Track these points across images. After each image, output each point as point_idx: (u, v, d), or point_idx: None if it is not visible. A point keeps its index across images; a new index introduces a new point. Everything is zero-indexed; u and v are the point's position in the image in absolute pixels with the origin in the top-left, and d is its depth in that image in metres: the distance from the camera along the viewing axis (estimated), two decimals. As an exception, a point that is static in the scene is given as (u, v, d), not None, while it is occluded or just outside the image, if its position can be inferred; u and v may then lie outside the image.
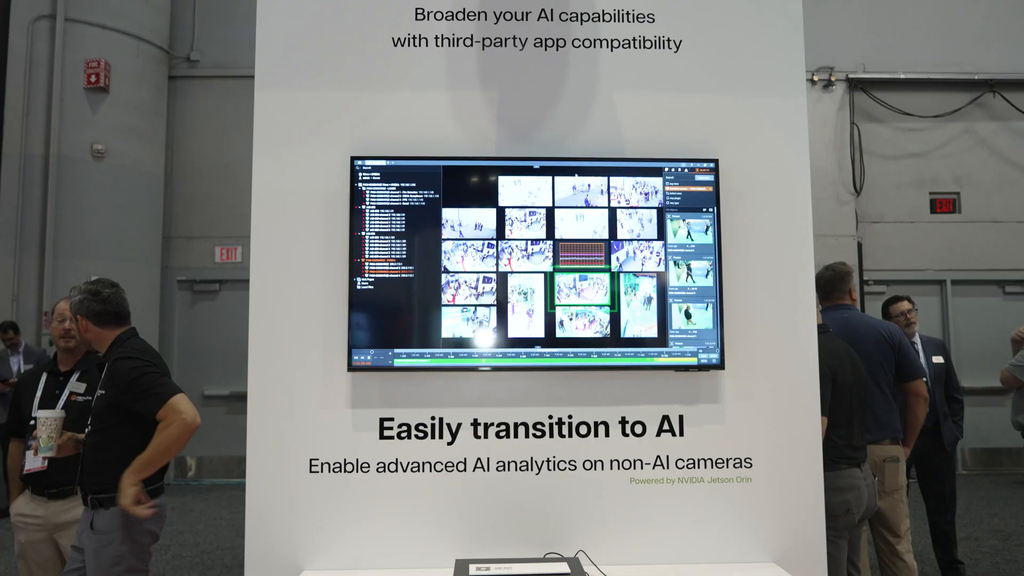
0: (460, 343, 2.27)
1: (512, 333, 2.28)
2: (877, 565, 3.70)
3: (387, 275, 2.28)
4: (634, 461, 2.32)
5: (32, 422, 3.19)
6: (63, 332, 3.26)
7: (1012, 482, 8.15)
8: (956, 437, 4.46)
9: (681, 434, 2.33)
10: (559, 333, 2.28)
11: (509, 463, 2.30)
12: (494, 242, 2.30)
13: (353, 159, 2.30)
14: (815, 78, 9.05)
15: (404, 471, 2.28)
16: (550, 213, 2.32)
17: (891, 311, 4.57)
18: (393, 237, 2.29)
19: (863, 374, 3.17)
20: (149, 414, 2.61)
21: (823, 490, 2.36)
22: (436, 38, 2.41)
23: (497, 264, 2.30)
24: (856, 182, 9.04)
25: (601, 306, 2.29)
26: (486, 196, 2.32)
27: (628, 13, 2.44)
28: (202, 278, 8.84)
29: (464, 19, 2.42)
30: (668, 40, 2.44)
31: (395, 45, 2.40)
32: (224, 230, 8.72)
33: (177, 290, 8.82)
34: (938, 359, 4.60)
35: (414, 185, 2.31)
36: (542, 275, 2.30)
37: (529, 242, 2.31)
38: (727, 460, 2.33)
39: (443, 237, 2.30)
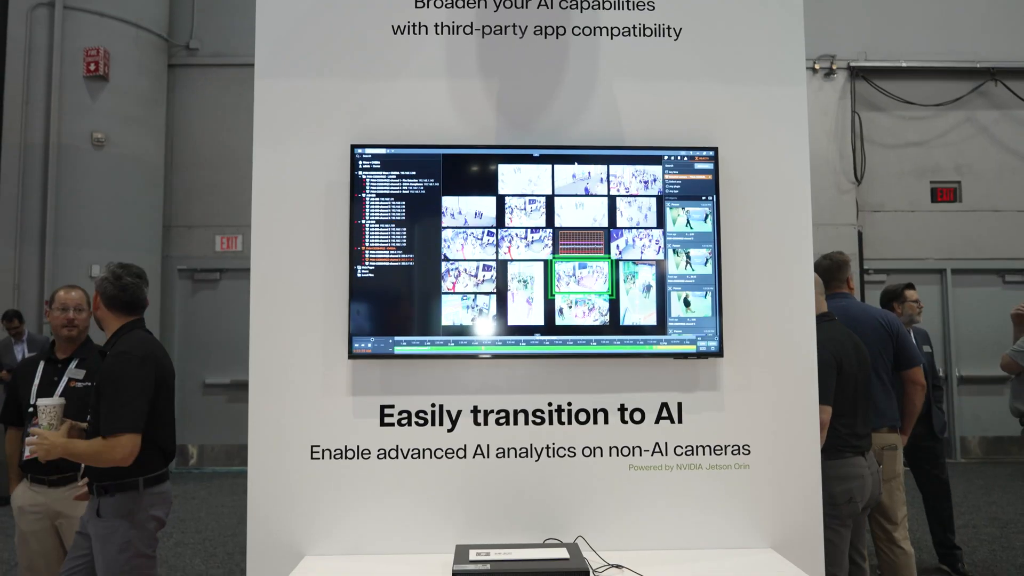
0: (460, 331, 2.28)
1: (512, 321, 2.29)
2: (874, 552, 3.72)
3: (387, 263, 2.29)
4: (633, 448, 2.33)
5: (31, 409, 3.21)
6: (66, 321, 3.27)
7: (1010, 470, 8.18)
8: (944, 423, 4.54)
9: (680, 421, 2.35)
10: (559, 321, 2.29)
11: (509, 450, 2.32)
12: (494, 230, 2.31)
13: (353, 147, 2.30)
14: (816, 66, 9.02)
15: (404, 458, 2.30)
16: (550, 201, 2.33)
17: (907, 296, 4.58)
18: (393, 225, 2.30)
19: (868, 363, 3.18)
20: (102, 427, 2.63)
21: (820, 477, 2.38)
22: (436, 26, 2.40)
23: (497, 252, 2.30)
24: (857, 171, 9.03)
25: (600, 294, 2.30)
26: (486, 184, 2.32)
27: (628, 1, 2.44)
28: (202, 267, 8.85)
29: (464, 7, 2.41)
30: (668, 28, 2.43)
31: (395, 33, 2.40)
32: (224, 219, 8.73)
33: (178, 279, 8.84)
34: (927, 348, 4.65)
35: (414, 173, 2.31)
36: (542, 263, 2.31)
37: (529, 230, 2.31)
38: (725, 447, 2.35)
39: (443, 225, 2.30)
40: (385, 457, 2.29)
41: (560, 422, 2.33)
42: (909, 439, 4.05)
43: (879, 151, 9.11)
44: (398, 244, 2.29)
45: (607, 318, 2.30)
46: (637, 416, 2.34)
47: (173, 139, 8.84)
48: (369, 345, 2.26)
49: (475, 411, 2.32)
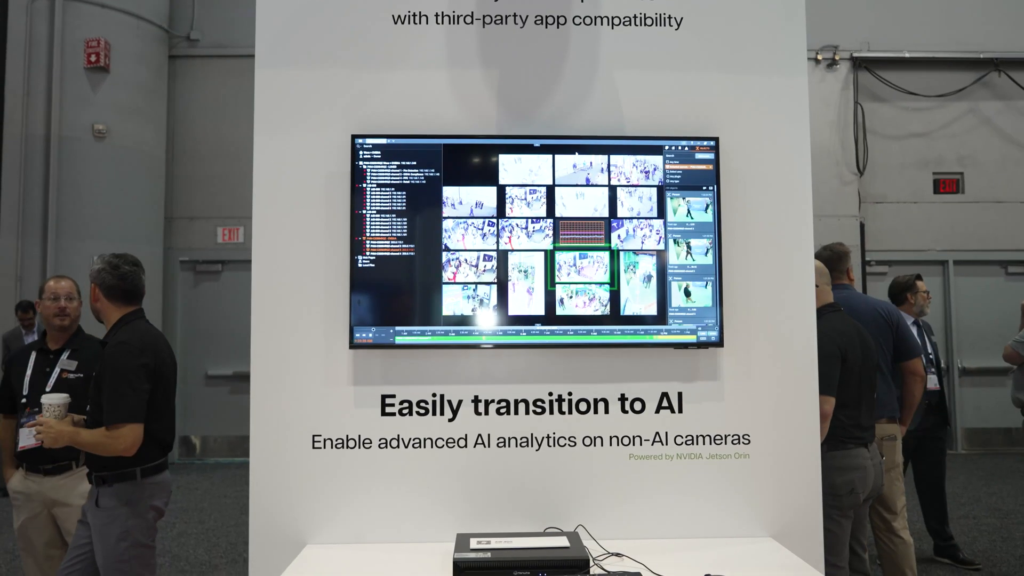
0: (461, 321, 2.29)
1: (512, 311, 2.29)
2: (873, 542, 3.74)
3: (388, 253, 2.29)
4: (633, 437, 2.34)
5: (24, 400, 3.22)
6: (57, 310, 3.27)
7: (1011, 462, 8.20)
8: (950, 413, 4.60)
9: (680, 411, 2.35)
10: (559, 311, 2.29)
11: (509, 439, 2.33)
12: (495, 220, 2.31)
13: (354, 137, 2.30)
14: (819, 57, 8.99)
15: (406, 447, 2.31)
16: (550, 191, 2.32)
17: (919, 286, 4.58)
18: (394, 215, 2.30)
19: (873, 354, 3.19)
20: (105, 418, 2.64)
21: (820, 466, 2.38)
22: (436, 16, 2.40)
23: (497, 242, 2.30)
24: (859, 162, 9.01)
25: (601, 284, 2.31)
26: (486, 174, 2.32)
27: (629, -10, 2.43)
28: (204, 259, 8.85)
29: (464, -4, 2.41)
30: (669, 17, 2.43)
31: (395, 23, 2.39)
32: (226, 210, 8.72)
33: (179, 271, 8.84)
34: (934, 339, 4.68)
35: (415, 163, 2.31)
36: (542, 253, 2.31)
37: (529, 220, 2.31)
38: (725, 437, 2.35)
39: (444, 215, 2.30)
40: (386, 447, 2.30)
41: (561, 412, 2.34)
42: (919, 429, 4.10)
43: (882, 142, 9.08)
44: (399, 234, 2.29)
45: (607, 308, 2.30)
46: (637, 406, 2.35)
47: (174, 130, 8.83)
48: (370, 335, 2.27)
49: (476, 401, 2.33)
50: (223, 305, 8.68)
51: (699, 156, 2.34)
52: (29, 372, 3.26)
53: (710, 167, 2.34)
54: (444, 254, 2.30)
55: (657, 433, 2.34)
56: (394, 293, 2.29)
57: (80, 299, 3.37)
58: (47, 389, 3.16)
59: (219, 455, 8.68)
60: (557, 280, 2.30)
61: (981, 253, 8.99)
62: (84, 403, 2.83)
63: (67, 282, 3.35)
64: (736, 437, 2.35)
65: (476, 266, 2.30)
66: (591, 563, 1.95)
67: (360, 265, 2.28)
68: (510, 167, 2.32)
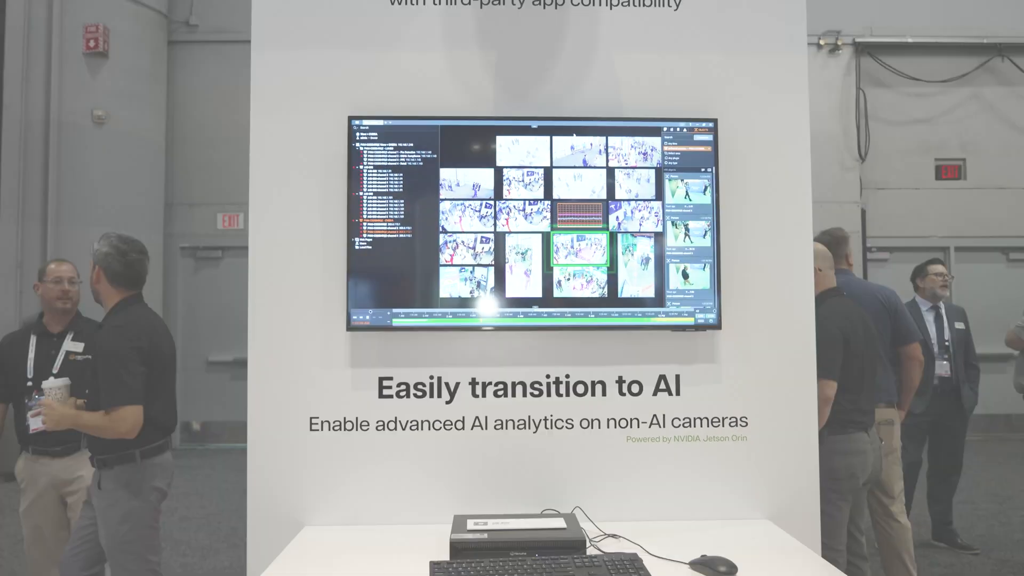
0: (458, 303, 2.28)
1: (510, 293, 2.28)
2: (871, 526, 3.74)
3: (385, 235, 2.28)
4: (631, 420, 2.34)
5: (29, 383, 3.22)
6: (61, 293, 3.28)
7: (1011, 447, 8.21)
8: (974, 402, 4.55)
9: (677, 393, 2.35)
10: (556, 293, 2.29)
11: (507, 422, 2.33)
12: (492, 202, 2.30)
13: (351, 119, 2.29)
14: (821, 42, 8.93)
15: (403, 429, 2.31)
16: (548, 173, 2.31)
17: (929, 270, 4.59)
18: (391, 197, 2.29)
19: (875, 339, 3.19)
20: (103, 401, 2.65)
21: (817, 449, 2.38)
22: (434, -4, 2.38)
23: (495, 224, 2.29)
24: (861, 148, 8.97)
25: (598, 266, 2.30)
26: (484, 156, 2.31)
27: (628, -30, 2.41)
28: (204, 245, 8.85)
29: (462, -24, 2.39)
30: (668, -2, 2.41)
31: (392, 3, 2.38)
32: (226, 197, 8.70)
33: (180, 257, 8.84)
34: (960, 325, 4.66)
35: (412, 145, 2.30)
36: (540, 235, 2.30)
37: (527, 202, 2.30)
38: (723, 419, 2.35)
39: (441, 197, 2.29)
40: (384, 429, 2.31)
41: (558, 394, 2.34)
42: (928, 413, 4.09)
43: (884, 128, 9.04)
44: (396, 216, 2.29)
45: (605, 290, 2.30)
46: (635, 388, 2.35)
47: (174, 116, 8.80)
48: (367, 317, 2.27)
49: (473, 383, 2.33)
50: (224, 291, 8.68)
51: (698, 138, 2.33)
52: (32, 355, 3.27)
53: (709, 149, 2.33)
54: (441, 236, 2.29)
55: (654, 415, 2.34)
56: (391, 275, 2.28)
57: (80, 282, 3.38)
58: (54, 371, 3.17)
59: (220, 441, 8.70)
60: (555, 262, 2.29)
61: (983, 240, 8.97)
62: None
63: (68, 265, 3.37)
64: (734, 419, 2.35)
65: (473, 248, 2.29)
66: (587, 544, 1.95)
67: (357, 247, 2.27)
68: (508, 149, 2.31)
